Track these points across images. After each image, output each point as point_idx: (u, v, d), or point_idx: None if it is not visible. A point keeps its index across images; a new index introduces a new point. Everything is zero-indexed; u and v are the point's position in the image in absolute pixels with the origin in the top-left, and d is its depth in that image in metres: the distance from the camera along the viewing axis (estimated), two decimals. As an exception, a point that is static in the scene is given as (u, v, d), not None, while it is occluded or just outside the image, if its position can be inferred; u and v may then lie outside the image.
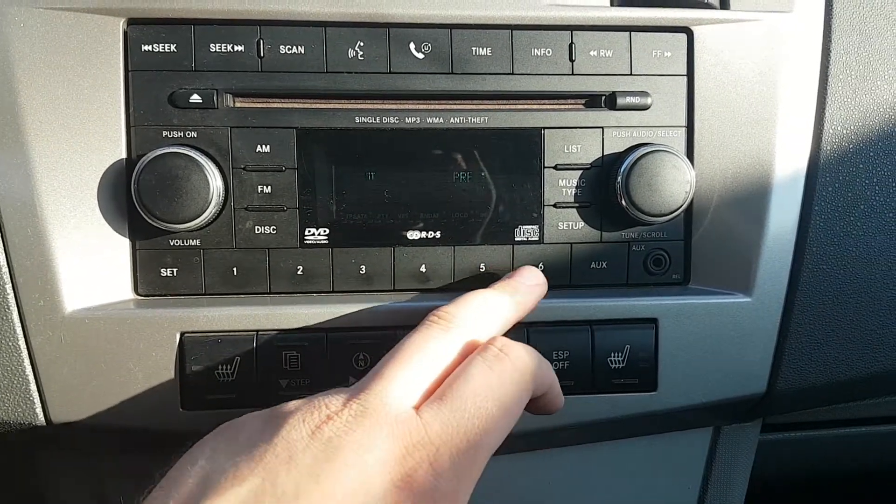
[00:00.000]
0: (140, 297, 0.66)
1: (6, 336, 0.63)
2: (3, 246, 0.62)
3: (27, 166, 0.62)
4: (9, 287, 0.62)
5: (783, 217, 0.70)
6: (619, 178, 0.67)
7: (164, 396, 0.64)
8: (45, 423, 0.64)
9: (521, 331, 0.66)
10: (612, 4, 0.71)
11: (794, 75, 0.72)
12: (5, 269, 0.62)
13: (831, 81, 0.73)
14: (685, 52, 0.71)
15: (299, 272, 0.67)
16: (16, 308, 0.63)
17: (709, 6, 0.72)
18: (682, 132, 0.71)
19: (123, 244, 0.65)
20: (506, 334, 0.61)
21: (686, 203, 0.67)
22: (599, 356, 0.67)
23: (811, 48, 0.73)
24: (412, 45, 0.67)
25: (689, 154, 0.70)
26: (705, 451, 0.81)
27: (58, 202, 0.63)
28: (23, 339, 0.63)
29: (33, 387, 0.64)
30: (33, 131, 0.62)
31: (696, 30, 0.70)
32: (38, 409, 0.64)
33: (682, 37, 0.71)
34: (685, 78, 0.71)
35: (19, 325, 0.63)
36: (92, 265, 0.64)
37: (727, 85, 0.71)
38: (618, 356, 0.68)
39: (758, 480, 0.83)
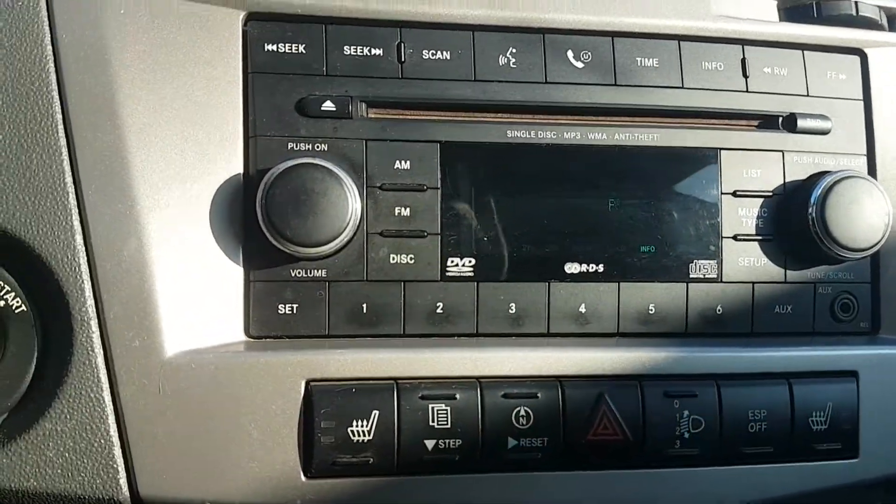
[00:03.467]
0: (251, 339, 0.54)
1: (86, 384, 0.50)
2: (90, 270, 0.50)
3: (125, 176, 0.51)
4: (94, 323, 0.50)
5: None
6: (812, 207, 0.58)
7: (284, 462, 0.51)
8: (129, 498, 0.51)
9: (709, 384, 0.55)
10: (780, 20, 0.64)
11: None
12: (91, 302, 0.50)
13: None
14: (860, 75, 0.63)
15: (439, 310, 0.56)
16: (101, 349, 0.50)
17: (881, 27, 0.65)
18: (864, 161, 0.62)
19: (236, 274, 0.54)
20: (686, 389, 0.53)
21: (886, 236, 0.58)
22: (800, 417, 0.56)
23: None
24: (570, 54, 0.59)
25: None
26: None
27: (160, 220, 0.52)
28: (108, 388, 0.50)
29: (118, 451, 0.50)
30: (134, 136, 0.52)
31: (869, 52, 0.63)
32: (123, 481, 0.51)
33: (856, 59, 0.63)
34: (861, 102, 0.63)
35: (104, 370, 0.50)
36: (197, 299, 0.52)
37: (906, 112, 0.63)
38: (820, 416, 0.56)
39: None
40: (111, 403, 0.50)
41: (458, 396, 0.53)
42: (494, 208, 0.57)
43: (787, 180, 0.61)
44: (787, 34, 0.62)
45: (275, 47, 0.56)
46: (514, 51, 0.58)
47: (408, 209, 0.56)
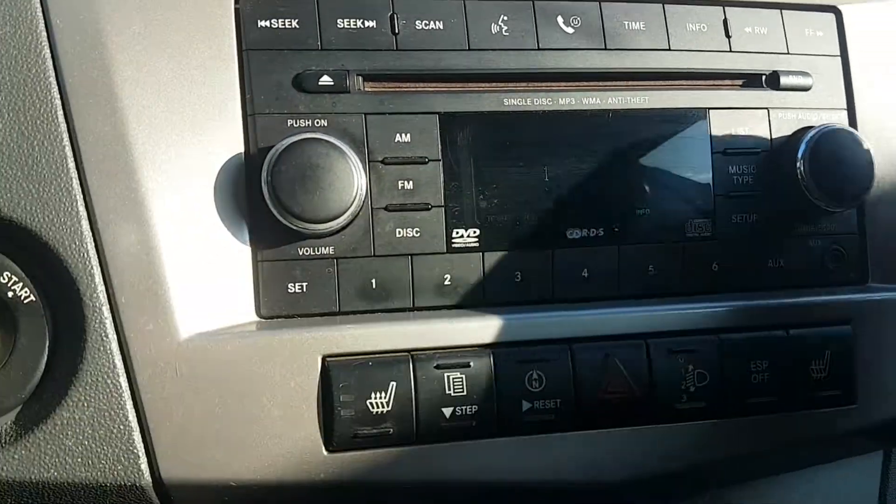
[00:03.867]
0: (263, 319, 0.54)
1: (102, 371, 0.50)
2: (99, 258, 0.50)
3: (128, 160, 0.51)
4: (106, 309, 0.50)
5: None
6: (800, 162, 0.59)
7: (306, 437, 0.51)
8: (152, 484, 0.50)
9: (711, 340, 0.57)
10: (758, -20, 0.66)
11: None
12: (101, 288, 0.50)
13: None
14: (836, 31, 0.65)
15: (447, 281, 0.56)
16: (114, 335, 0.50)
17: (852, -16, 0.67)
18: (844, 115, 0.64)
19: (244, 255, 0.54)
20: (689, 344, 0.55)
21: (872, 187, 0.60)
22: (800, 365, 0.58)
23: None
24: (560, 19, 0.59)
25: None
26: (877, 480, 0.72)
27: (165, 203, 0.51)
28: (124, 374, 0.50)
29: (137, 436, 0.50)
30: (133, 119, 0.51)
31: (843, 9, 0.65)
32: (144, 466, 0.50)
33: (832, 16, 0.65)
34: (839, 58, 0.65)
35: (119, 356, 0.50)
36: (207, 281, 0.52)
37: (882, 66, 0.66)
38: (819, 363, 0.59)
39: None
40: (128, 389, 0.50)
41: (472, 364, 0.53)
42: (495, 177, 0.57)
43: (773, 137, 0.62)
44: (764, -8, 0.64)
45: (268, 23, 0.55)
46: (505, 18, 0.59)
47: (411, 182, 0.56)
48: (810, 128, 0.61)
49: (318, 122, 0.55)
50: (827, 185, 0.59)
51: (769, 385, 0.57)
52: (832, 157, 0.59)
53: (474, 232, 0.57)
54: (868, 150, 0.60)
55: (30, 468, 0.49)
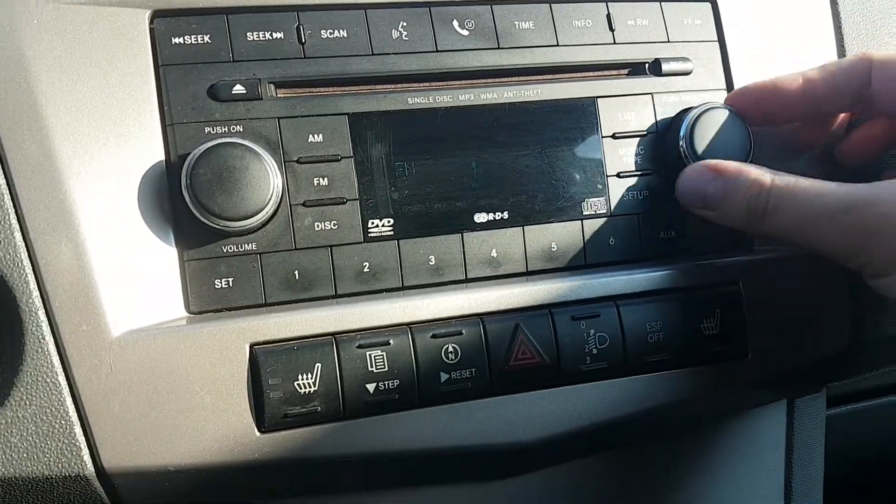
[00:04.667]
0: (192, 315, 0.58)
1: (41, 370, 0.53)
2: (33, 265, 0.53)
3: (55, 174, 0.54)
4: (41, 313, 0.53)
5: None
6: (682, 141, 0.65)
7: (238, 421, 0.55)
8: (95, 473, 0.54)
9: (609, 305, 0.62)
10: (637, -24, 0.72)
11: (812, 37, 0.74)
12: (36, 293, 0.53)
13: (847, 41, 0.75)
14: (712, 19, 0.71)
15: (365, 269, 0.61)
16: (51, 336, 0.53)
17: (722, -25, 0.73)
18: (724, 95, 0.70)
19: (170, 255, 0.57)
20: (589, 311, 0.61)
21: (749, 159, 0.66)
22: (692, 324, 0.64)
23: (822, 12, 0.75)
24: (455, 23, 0.64)
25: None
26: (783, 428, 0.78)
27: (93, 212, 0.55)
28: (62, 372, 0.53)
29: (78, 429, 0.54)
30: (59, 135, 0.55)
31: (717, -2, 0.71)
32: (87, 457, 0.54)
33: (707, 6, 0.71)
34: (717, 44, 0.71)
35: (56, 356, 0.53)
36: (136, 282, 0.56)
37: (756, 48, 0.72)
38: (710, 321, 0.64)
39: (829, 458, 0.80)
40: (66, 386, 0.53)
41: (391, 342, 0.58)
42: (405, 170, 0.62)
43: (658, 119, 0.68)
44: (642, -12, 0.70)
45: (181, 40, 0.59)
46: (404, 24, 0.63)
47: (326, 179, 0.60)
48: (691, 108, 0.67)
49: (233, 128, 0.59)
50: (707, 159, 0.65)
51: (665, 344, 0.63)
52: (711, 133, 0.65)
53: (388, 221, 0.61)
54: (743, 126, 0.66)
55: (-23, 466, 0.52)
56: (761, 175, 0.60)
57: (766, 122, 0.67)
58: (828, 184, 0.58)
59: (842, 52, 0.75)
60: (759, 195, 0.59)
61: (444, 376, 0.59)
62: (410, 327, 0.59)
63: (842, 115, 0.70)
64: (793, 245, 0.61)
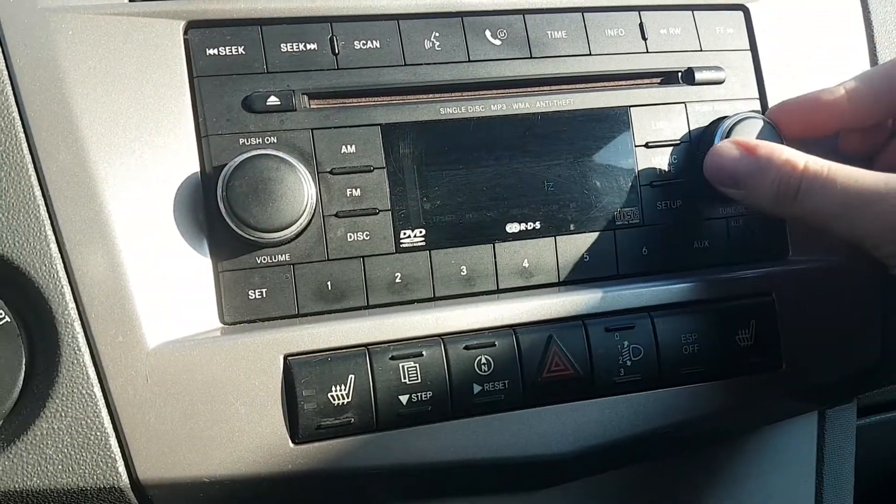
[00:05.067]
0: (226, 326, 0.58)
1: (77, 382, 0.53)
2: (68, 276, 0.54)
3: (90, 184, 0.55)
4: (77, 324, 0.54)
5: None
6: (716, 149, 0.65)
7: (272, 432, 0.55)
8: (130, 485, 0.54)
9: (643, 316, 0.61)
10: (669, -15, 0.71)
11: (843, 45, 0.73)
12: (72, 304, 0.53)
13: (879, 49, 0.75)
14: (745, 27, 0.71)
15: (397, 280, 0.61)
16: (86, 347, 0.54)
17: (757, -17, 0.73)
18: (757, 104, 0.70)
19: (205, 267, 0.57)
20: (623, 322, 0.61)
21: (783, 168, 0.65)
22: (727, 335, 0.63)
23: (854, 20, 0.74)
24: (488, 33, 0.64)
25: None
26: (814, 439, 0.77)
27: (128, 223, 0.55)
28: (97, 383, 0.54)
29: (113, 441, 0.54)
30: (94, 146, 0.55)
31: (750, 6, 0.71)
32: (121, 468, 0.54)
33: (740, 14, 0.71)
34: (749, 52, 0.70)
35: (92, 367, 0.54)
36: (171, 293, 0.56)
37: (788, 57, 0.71)
38: (745, 333, 0.64)
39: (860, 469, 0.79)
40: (102, 397, 0.54)
41: (424, 353, 0.58)
42: (437, 180, 0.62)
43: (691, 128, 0.67)
44: (675, -3, 0.69)
45: (216, 51, 0.59)
46: (437, 34, 0.63)
47: (358, 189, 0.60)
48: (725, 118, 0.66)
49: (268, 140, 0.59)
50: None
51: (700, 355, 0.62)
52: (744, 143, 0.65)
53: (420, 232, 0.61)
54: (778, 136, 0.65)
55: (13, 478, 0.52)
56: (794, 156, 0.59)
57: (807, 133, 0.66)
58: (862, 171, 0.58)
59: (874, 59, 0.74)
60: (790, 177, 0.59)
61: (476, 388, 0.58)
62: (443, 339, 0.58)
63: (882, 124, 0.69)
64: (821, 229, 0.60)
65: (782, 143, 0.65)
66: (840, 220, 0.58)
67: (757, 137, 0.65)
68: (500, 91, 0.64)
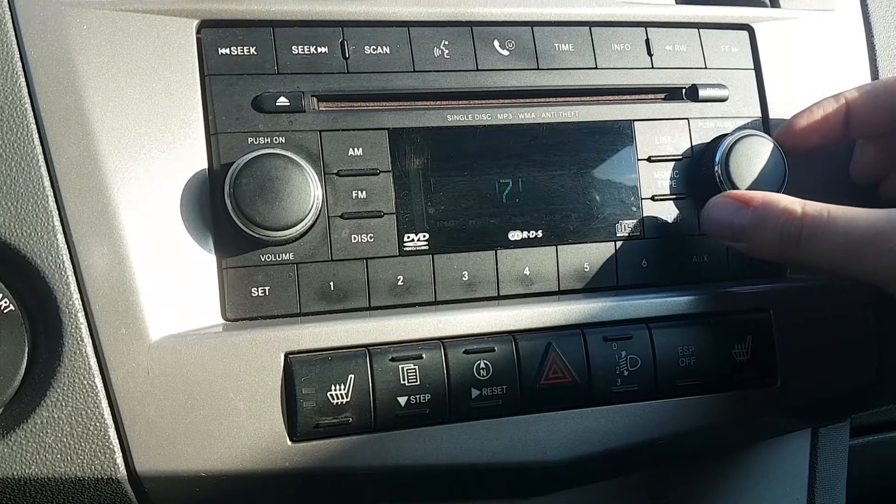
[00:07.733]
0: (228, 322, 0.58)
1: (78, 372, 0.53)
2: (74, 268, 0.54)
3: (99, 178, 0.55)
4: (81, 315, 0.54)
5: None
6: (718, 167, 0.66)
7: (270, 429, 0.55)
8: (126, 477, 0.54)
9: (641, 327, 0.62)
10: (676, 2, 0.72)
11: (847, 68, 0.74)
12: (76, 295, 0.54)
13: (881, 71, 0.76)
14: (749, 47, 0.72)
15: (399, 282, 0.61)
16: (89, 338, 0.54)
17: (762, 4, 0.74)
18: (759, 122, 0.71)
19: (209, 262, 0.58)
20: (621, 333, 0.61)
21: (784, 186, 0.66)
22: (723, 349, 0.64)
23: (856, 43, 0.75)
24: (496, 43, 0.65)
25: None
26: (806, 456, 0.78)
27: (135, 217, 0.56)
28: (98, 374, 0.54)
29: (112, 432, 0.54)
30: (104, 140, 0.56)
31: (756, 27, 0.72)
32: (119, 460, 0.54)
33: (745, 33, 0.72)
34: (753, 71, 0.71)
35: (94, 358, 0.54)
36: (175, 287, 0.56)
37: (792, 77, 0.72)
38: (741, 347, 0.64)
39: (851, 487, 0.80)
40: (103, 388, 0.54)
41: (424, 356, 0.58)
42: (442, 186, 0.62)
43: (693, 144, 0.68)
44: (683, 15, 0.70)
45: (228, 50, 0.60)
46: (446, 42, 0.64)
47: (364, 192, 0.61)
48: (727, 135, 0.67)
49: (276, 140, 0.60)
50: (741, 186, 0.65)
51: (696, 368, 0.63)
52: (747, 160, 0.66)
53: (424, 236, 0.62)
54: (779, 153, 0.66)
55: (12, 465, 0.52)
56: (791, 204, 0.60)
57: (810, 147, 0.67)
58: (860, 210, 0.58)
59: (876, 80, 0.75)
60: (790, 225, 0.59)
61: (475, 392, 0.59)
62: (443, 342, 0.59)
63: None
64: (830, 273, 0.61)
65: (784, 159, 0.66)
66: (846, 261, 0.58)
67: (757, 154, 0.66)
68: (506, 100, 0.65)
